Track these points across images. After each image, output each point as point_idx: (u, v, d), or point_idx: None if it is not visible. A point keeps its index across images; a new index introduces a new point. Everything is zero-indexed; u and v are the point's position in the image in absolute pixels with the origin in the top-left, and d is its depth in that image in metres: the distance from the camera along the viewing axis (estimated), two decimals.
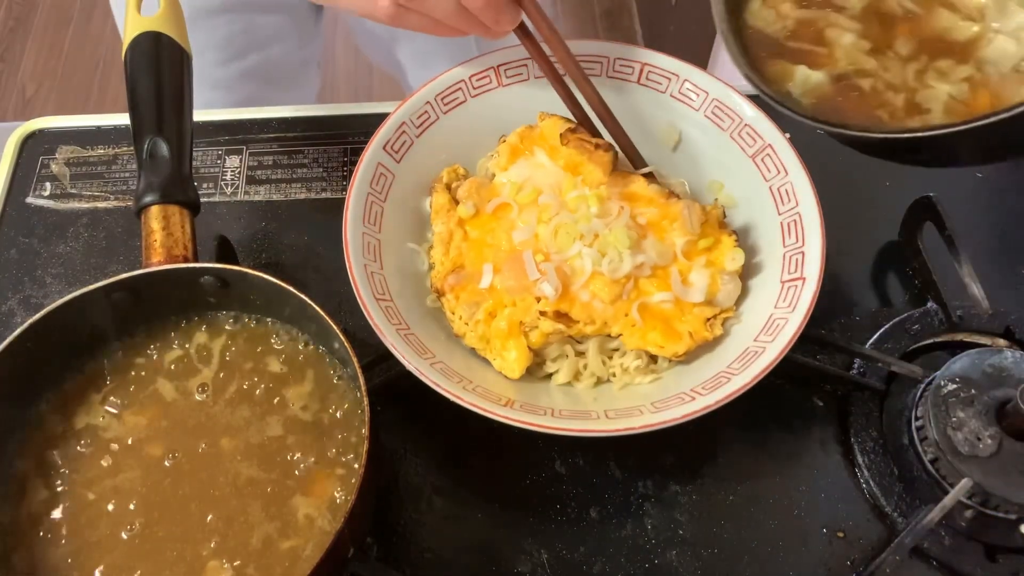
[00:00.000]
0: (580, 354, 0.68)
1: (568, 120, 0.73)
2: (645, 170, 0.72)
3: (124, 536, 0.59)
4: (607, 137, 0.73)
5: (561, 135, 0.71)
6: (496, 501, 0.67)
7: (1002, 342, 0.72)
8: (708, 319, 0.66)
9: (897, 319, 0.73)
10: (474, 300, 0.68)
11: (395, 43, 1.18)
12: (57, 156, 0.88)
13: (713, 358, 0.66)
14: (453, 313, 0.68)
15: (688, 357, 0.66)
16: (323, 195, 0.84)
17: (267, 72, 1.13)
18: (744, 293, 0.69)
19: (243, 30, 1.08)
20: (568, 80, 0.73)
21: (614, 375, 0.68)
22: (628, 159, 0.73)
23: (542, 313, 0.65)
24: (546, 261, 0.67)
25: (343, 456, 0.61)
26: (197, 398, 0.64)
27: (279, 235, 0.82)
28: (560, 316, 0.65)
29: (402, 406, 0.70)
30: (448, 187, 0.73)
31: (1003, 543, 0.63)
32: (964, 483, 0.61)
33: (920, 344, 0.72)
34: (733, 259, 0.67)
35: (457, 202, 0.72)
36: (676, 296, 0.66)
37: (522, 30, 0.70)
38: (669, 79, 0.76)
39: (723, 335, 0.67)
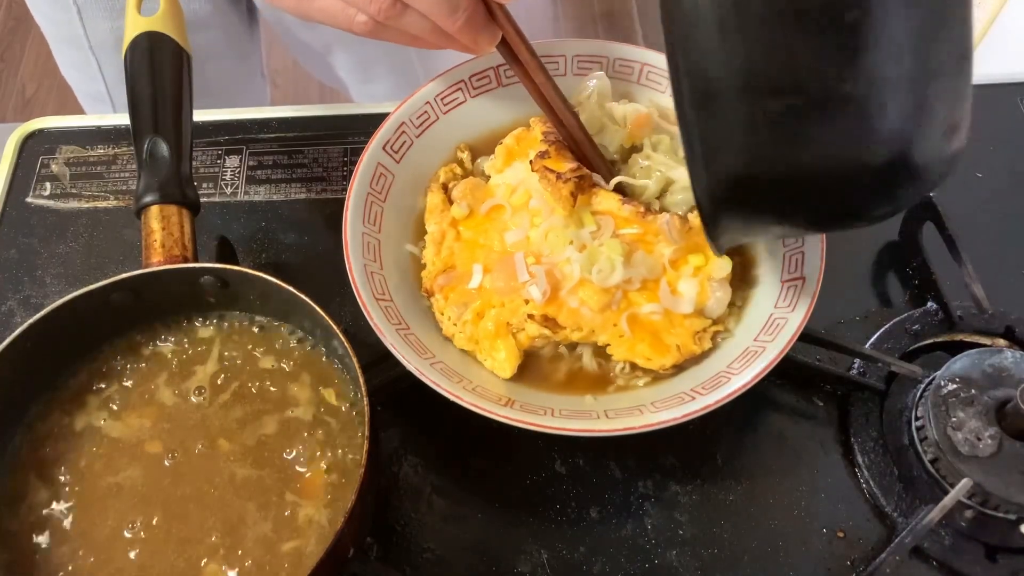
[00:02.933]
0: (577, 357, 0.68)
1: (546, 138, 0.71)
2: (616, 180, 0.70)
3: (127, 535, 0.59)
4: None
5: (531, 161, 0.69)
6: (496, 501, 0.67)
7: (1002, 342, 0.72)
8: (697, 332, 0.66)
9: (897, 319, 0.73)
10: (462, 301, 0.67)
11: (331, 55, 1.17)
12: (57, 156, 0.88)
13: (713, 358, 0.66)
14: (442, 314, 0.68)
15: (686, 362, 0.66)
16: (323, 195, 0.84)
17: (207, 88, 1.12)
18: (744, 293, 0.69)
19: None
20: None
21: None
22: (603, 179, 0.71)
23: (529, 316, 0.65)
24: (537, 264, 0.67)
25: (343, 456, 0.61)
26: (197, 398, 0.64)
27: (279, 235, 0.82)
28: (547, 320, 0.65)
29: (402, 406, 0.70)
30: (444, 187, 0.73)
31: (1003, 543, 0.63)
32: (964, 483, 0.61)
33: (920, 344, 0.72)
34: (721, 267, 0.67)
35: (452, 202, 0.72)
36: (665, 308, 0.66)
37: (506, 48, 0.68)
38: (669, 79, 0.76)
39: (720, 339, 0.67)
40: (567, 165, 0.69)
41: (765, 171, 0.42)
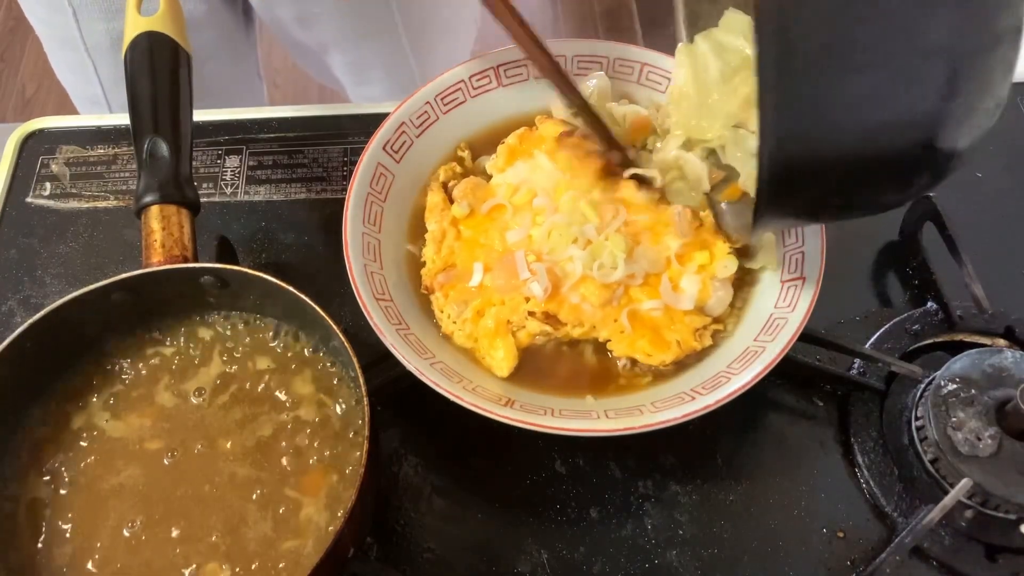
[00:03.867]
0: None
1: (566, 123, 0.72)
2: (631, 171, 0.70)
3: (127, 534, 0.59)
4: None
5: (557, 137, 0.70)
6: (496, 501, 0.67)
7: (1002, 342, 0.72)
8: (697, 329, 0.66)
9: (897, 319, 0.73)
10: (463, 298, 0.68)
11: (326, 55, 1.17)
12: (57, 156, 0.88)
13: (713, 358, 0.66)
14: (442, 311, 0.68)
15: (687, 358, 0.66)
16: (323, 195, 0.84)
17: (203, 90, 1.12)
18: (744, 293, 0.69)
19: None
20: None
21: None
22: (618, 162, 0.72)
23: (530, 313, 0.65)
24: (538, 261, 0.67)
25: (343, 456, 0.61)
26: (197, 399, 0.64)
27: (279, 235, 0.82)
28: (548, 317, 0.65)
29: (402, 406, 0.70)
30: (444, 185, 0.73)
31: (1003, 543, 0.63)
32: (964, 483, 0.61)
33: (920, 344, 0.72)
34: (725, 266, 0.67)
35: (452, 201, 0.72)
36: (666, 304, 0.66)
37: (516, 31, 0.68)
38: (669, 79, 0.76)
39: (720, 339, 0.67)
40: (593, 148, 0.70)
41: (841, 129, 0.42)
